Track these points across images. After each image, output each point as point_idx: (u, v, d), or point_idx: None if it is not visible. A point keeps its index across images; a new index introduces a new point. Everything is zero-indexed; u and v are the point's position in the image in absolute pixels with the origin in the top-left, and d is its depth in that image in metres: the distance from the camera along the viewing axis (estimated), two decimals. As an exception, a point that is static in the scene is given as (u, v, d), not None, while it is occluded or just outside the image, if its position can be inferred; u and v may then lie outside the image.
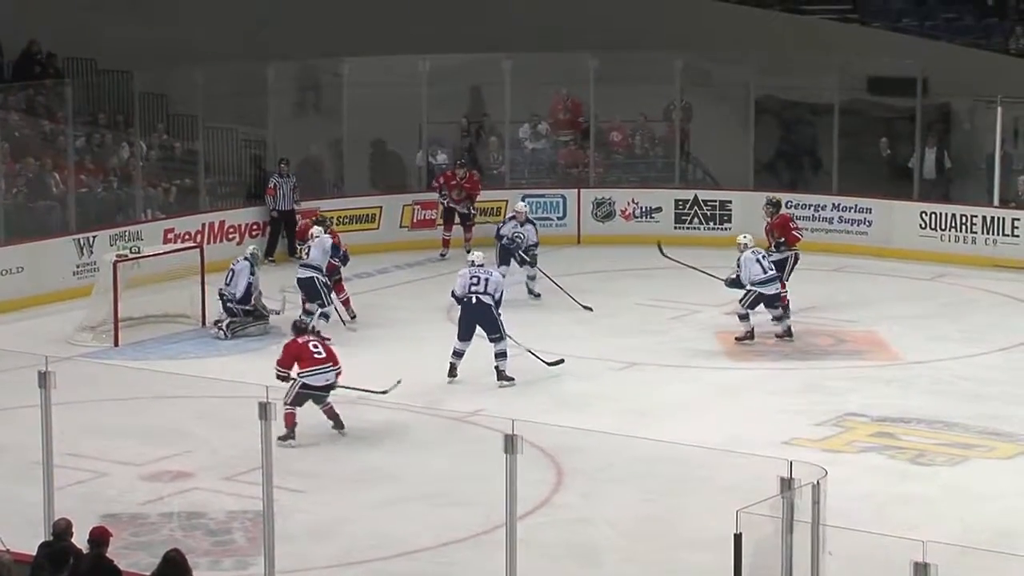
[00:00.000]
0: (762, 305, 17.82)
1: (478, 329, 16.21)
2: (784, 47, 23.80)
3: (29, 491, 11.01)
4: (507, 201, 22.28)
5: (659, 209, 23.18)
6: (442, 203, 22.22)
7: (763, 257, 17.93)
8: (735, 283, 17.88)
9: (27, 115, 21.91)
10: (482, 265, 16.51)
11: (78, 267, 19.88)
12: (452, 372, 16.12)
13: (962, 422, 14.91)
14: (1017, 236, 21.53)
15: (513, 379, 16.04)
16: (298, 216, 21.66)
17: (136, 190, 21.62)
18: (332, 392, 14.48)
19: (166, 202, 21.92)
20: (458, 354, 16.11)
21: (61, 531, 9.64)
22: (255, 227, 21.91)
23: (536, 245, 19.74)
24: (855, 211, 22.49)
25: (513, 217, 20.04)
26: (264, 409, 9.77)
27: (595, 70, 23.22)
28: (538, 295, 19.59)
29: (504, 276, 19.38)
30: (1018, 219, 21.60)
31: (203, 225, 21.33)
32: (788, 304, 18.55)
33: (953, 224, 21.95)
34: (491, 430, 11.07)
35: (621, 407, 15.39)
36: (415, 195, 23.17)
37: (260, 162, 23.02)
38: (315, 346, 14.77)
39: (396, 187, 23.67)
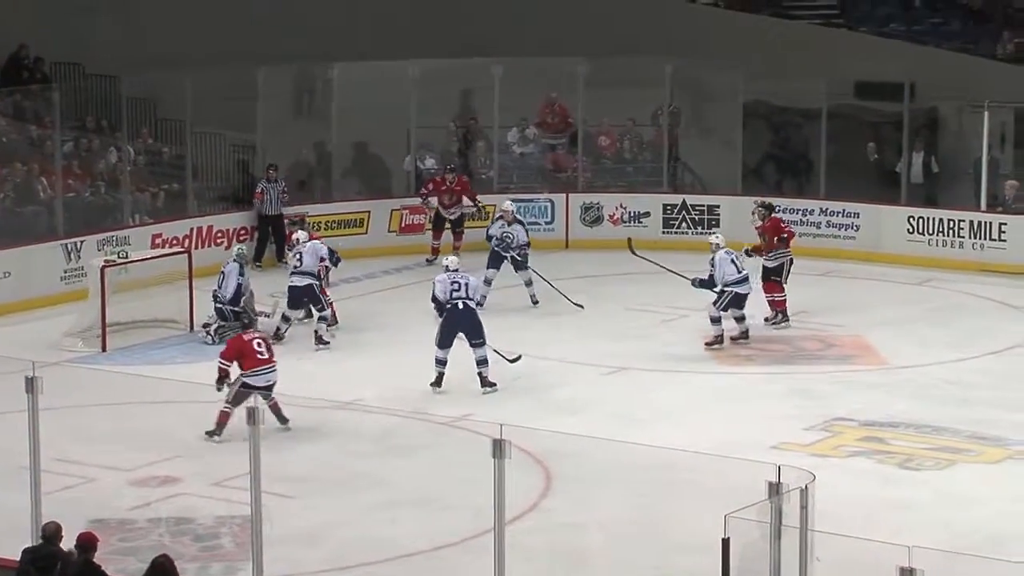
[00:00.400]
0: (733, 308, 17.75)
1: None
2: (772, 52, 23.83)
3: (16, 496, 10.98)
4: (495, 206, 22.29)
5: (647, 213, 23.20)
6: (429, 208, 22.18)
7: (736, 257, 17.90)
8: (706, 284, 17.75)
9: (14, 120, 21.90)
10: (457, 270, 16.41)
11: (66, 272, 19.85)
12: (439, 382, 15.95)
13: (950, 427, 14.93)
14: (1004, 240, 21.57)
15: (496, 385, 16.01)
16: (287, 221, 21.66)
17: (124, 195, 21.61)
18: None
19: (154, 207, 21.91)
20: (442, 362, 15.94)
21: (51, 534, 9.61)
22: (243, 232, 21.89)
23: (527, 245, 19.73)
24: (843, 216, 22.53)
25: (501, 217, 20.03)
26: (252, 414, 9.77)
27: (584, 75, 23.24)
28: (537, 302, 19.52)
29: (492, 280, 19.47)
30: (1005, 223, 21.64)
31: (191, 230, 21.31)
32: (786, 307, 18.59)
33: (941, 228, 21.99)
34: (479, 435, 11.06)
35: (610, 411, 15.39)
36: (403, 200, 23.16)
37: (248, 167, 23.01)
38: (259, 344, 14.83)
39: (378, 191, 23.63)
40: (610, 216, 23.31)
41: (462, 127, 24.31)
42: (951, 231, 21.92)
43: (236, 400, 14.36)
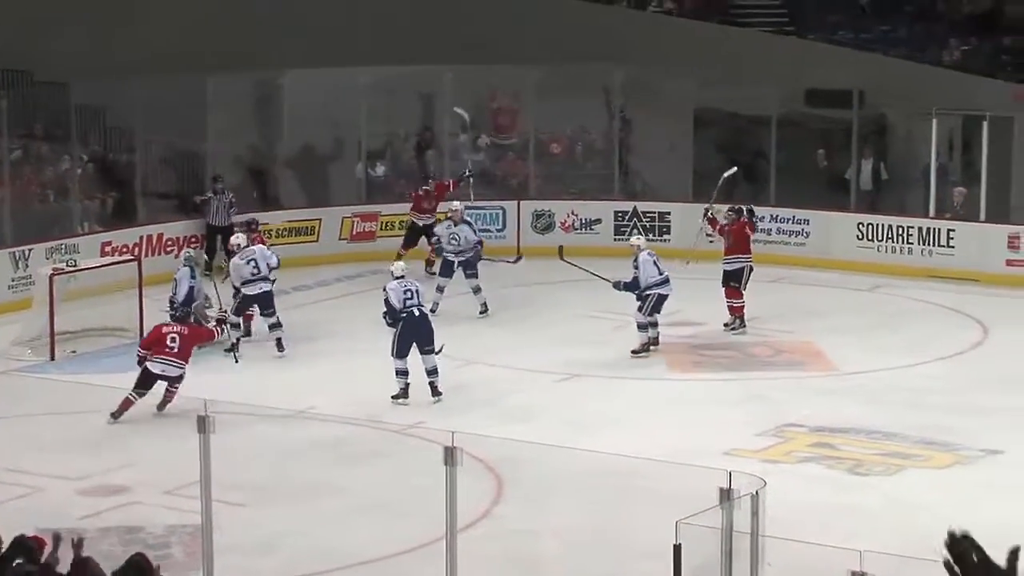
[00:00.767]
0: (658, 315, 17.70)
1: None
2: (723, 59, 23.92)
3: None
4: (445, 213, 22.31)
5: (598, 220, 23.25)
6: (415, 222, 21.69)
7: (657, 260, 17.89)
8: (630, 286, 17.69)
9: (-39, 127, 21.74)
10: (404, 276, 16.32)
11: (13, 280, 19.73)
12: (405, 393, 15.81)
13: (899, 432, 15.01)
14: (953, 247, 21.71)
15: (442, 393, 15.95)
16: (235, 230, 21.54)
17: (73, 203, 21.48)
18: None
19: (103, 215, 21.79)
20: (404, 373, 15.79)
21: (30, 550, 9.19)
22: (193, 239, 21.80)
23: (480, 244, 19.67)
24: (793, 222, 22.63)
25: (448, 217, 20.00)
26: (203, 422, 9.72)
27: (535, 82, 23.27)
28: (486, 311, 19.48)
29: (444, 288, 19.44)
30: (953, 230, 21.79)
31: (141, 238, 21.22)
32: (743, 314, 18.67)
33: (890, 235, 22.13)
34: (431, 442, 11.05)
35: (562, 418, 15.40)
36: (355, 207, 23.13)
37: (198, 175, 22.91)
38: (173, 339, 15.41)
39: (320, 199, 23.54)
40: (561, 223, 23.34)
41: (416, 136, 24.29)
42: (900, 237, 22.05)
43: (138, 384, 15.26)
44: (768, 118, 23.14)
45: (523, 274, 21.20)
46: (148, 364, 15.33)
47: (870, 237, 22.21)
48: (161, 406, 15.33)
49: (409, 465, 13.30)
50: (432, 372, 15.91)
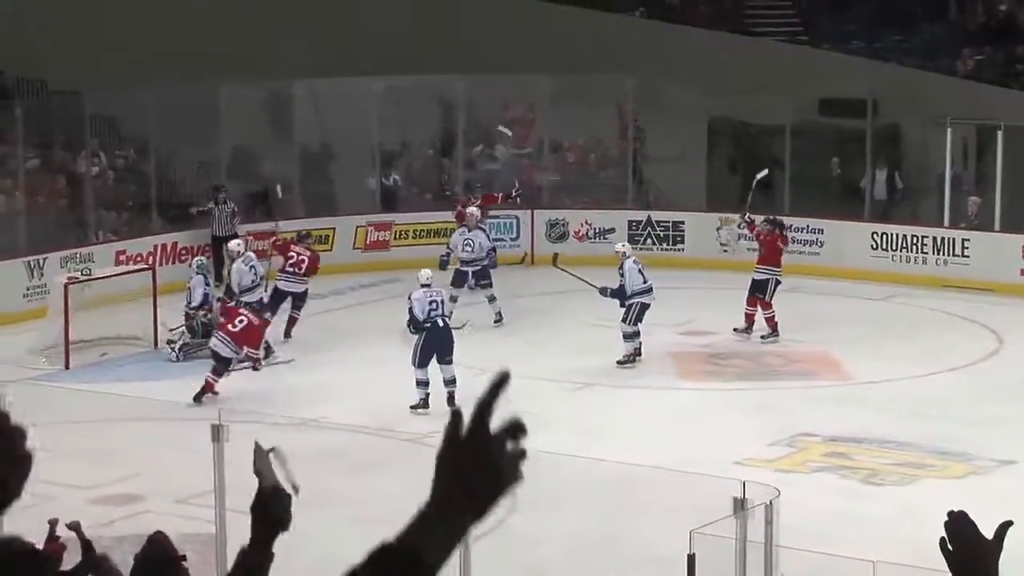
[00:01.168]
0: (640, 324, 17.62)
1: None
2: (736, 69, 23.91)
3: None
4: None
5: (612, 230, 23.22)
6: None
7: (643, 268, 17.85)
8: (616, 293, 17.63)
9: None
10: (430, 285, 16.34)
11: (28, 289, 19.75)
12: (425, 404, 15.78)
13: (914, 442, 14.98)
14: (967, 256, 21.66)
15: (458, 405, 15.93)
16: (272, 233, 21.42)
17: (88, 212, 21.52)
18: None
19: (118, 224, 21.83)
20: (424, 383, 15.79)
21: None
22: (207, 248, 21.80)
23: (494, 250, 19.64)
24: (807, 231, 22.59)
25: (463, 224, 19.96)
26: (216, 431, 9.73)
27: (548, 91, 23.29)
28: (500, 320, 19.46)
29: (457, 298, 19.41)
30: (968, 239, 21.74)
31: (155, 247, 21.23)
32: (752, 324, 18.67)
33: (904, 244, 22.08)
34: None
35: (575, 427, 15.37)
36: (368, 216, 23.14)
37: (214, 183, 22.93)
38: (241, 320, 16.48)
39: (333, 208, 23.54)
40: (575, 232, 23.32)
41: (441, 142, 24.29)
42: (915, 247, 22.01)
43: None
44: (782, 127, 23.11)
45: (536, 283, 21.19)
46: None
47: (884, 247, 22.17)
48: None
49: (422, 475, 13.27)
50: (450, 382, 15.91)
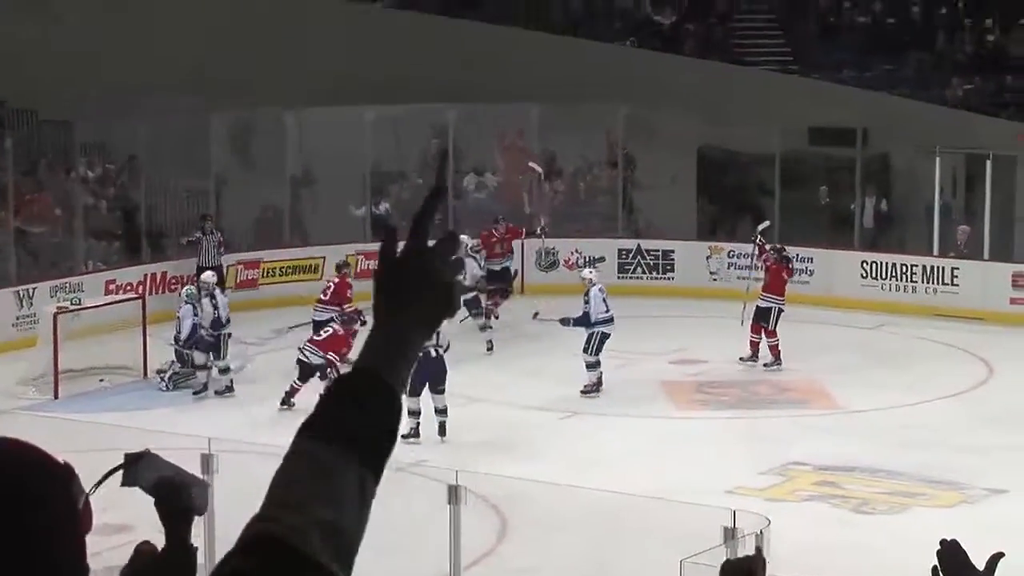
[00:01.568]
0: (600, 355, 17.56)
1: None
2: (726, 98, 23.97)
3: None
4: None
5: (602, 258, 23.21)
6: (490, 268, 20.76)
7: (607, 296, 17.81)
8: (580, 321, 17.57)
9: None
10: None
11: (18, 319, 19.71)
12: (416, 433, 15.70)
13: (904, 470, 14.97)
14: (957, 285, 21.68)
15: (447, 433, 15.91)
16: (227, 269, 21.36)
17: (77, 241, 21.50)
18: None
19: (108, 253, 21.80)
20: (415, 413, 15.76)
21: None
22: (194, 279, 21.76)
23: (484, 278, 19.60)
24: (797, 260, 22.55)
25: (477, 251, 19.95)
26: (206, 461, 9.70)
27: (538, 120, 23.31)
28: (491, 348, 19.47)
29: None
30: (958, 268, 21.76)
31: (145, 276, 21.18)
32: (757, 352, 18.69)
33: (894, 273, 22.11)
34: (435, 481, 11.03)
35: (566, 456, 15.36)
36: (358, 245, 23.11)
37: (201, 212, 22.91)
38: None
39: (323, 237, 23.52)
40: (565, 261, 23.31)
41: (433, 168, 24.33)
42: (904, 276, 22.03)
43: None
44: (772, 156, 23.15)
45: (526, 312, 21.18)
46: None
47: (874, 275, 22.19)
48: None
49: (413, 503, 13.26)
50: (442, 411, 15.90)
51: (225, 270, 21.01)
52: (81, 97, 22.59)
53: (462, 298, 15.65)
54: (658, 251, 23.26)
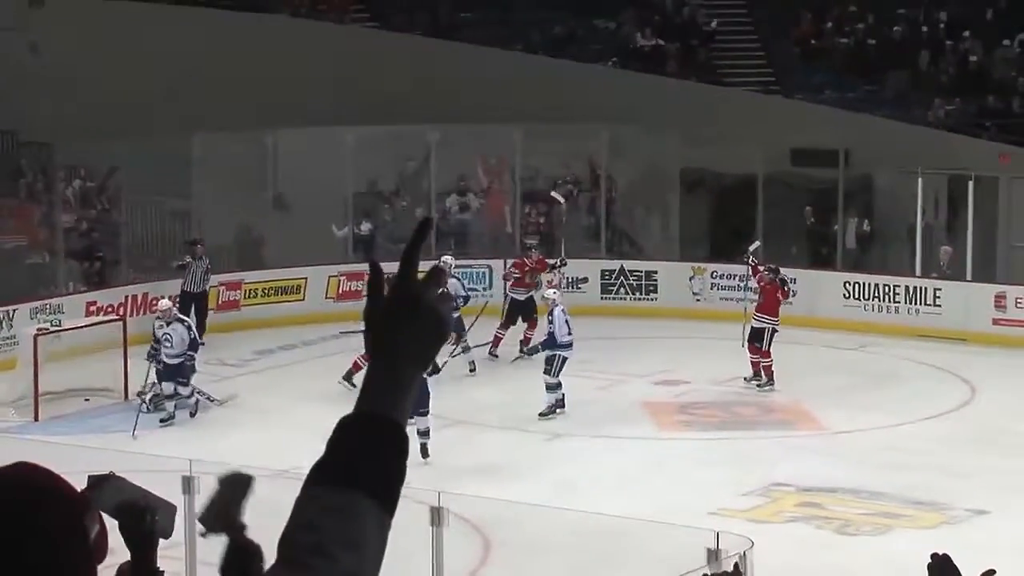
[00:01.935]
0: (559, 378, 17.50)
1: None
2: (709, 120, 23.98)
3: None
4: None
5: (585, 279, 23.20)
6: (515, 298, 20.71)
7: (569, 317, 17.75)
8: (547, 343, 17.53)
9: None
10: None
11: (-2, 340, 19.63)
12: (425, 452, 15.63)
13: (887, 491, 14.96)
14: (939, 306, 21.70)
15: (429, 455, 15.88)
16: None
17: (58, 262, 21.42)
18: None
19: (88, 275, 21.72)
20: (424, 433, 15.67)
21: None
22: (178, 300, 21.66)
23: (467, 299, 19.51)
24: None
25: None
26: (187, 483, 9.66)
27: (520, 140, 23.30)
28: (474, 370, 19.43)
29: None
30: (940, 289, 21.78)
31: (125, 297, 21.09)
32: (760, 370, 18.68)
33: (876, 294, 22.12)
34: (417, 503, 10.97)
35: (549, 478, 15.32)
36: (340, 266, 23.08)
37: (190, 238, 22.83)
38: None
39: (306, 258, 23.46)
40: (548, 282, 23.23)
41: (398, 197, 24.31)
42: (887, 296, 22.05)
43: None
44: (754, 177, 23.17)
45: (510, 333, 21.13)
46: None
47: (856, 296, 22.20)
48: None
49: (395, 525, 13.20)
50: (424, 433, 15.82)
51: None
52: (60, 119, 22.54)
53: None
54: (641, 272, 23.25)
